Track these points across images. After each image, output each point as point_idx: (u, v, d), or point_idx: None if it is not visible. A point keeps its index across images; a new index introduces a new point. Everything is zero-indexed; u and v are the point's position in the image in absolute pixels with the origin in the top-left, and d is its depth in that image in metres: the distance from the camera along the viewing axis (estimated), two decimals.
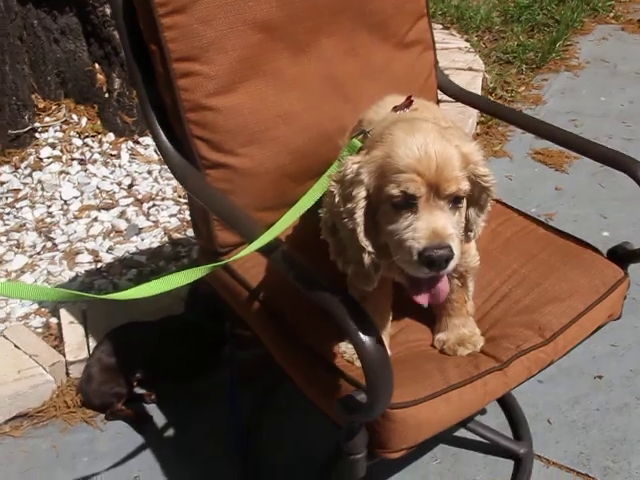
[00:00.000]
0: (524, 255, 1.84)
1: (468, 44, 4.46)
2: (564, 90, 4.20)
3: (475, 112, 3.66)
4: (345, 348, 1.56)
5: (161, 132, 1.76)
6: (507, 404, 2.27)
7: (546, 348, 1.62)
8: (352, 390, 1.45)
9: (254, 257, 1.70)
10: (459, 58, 4.20)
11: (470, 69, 4.07)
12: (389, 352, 1.59)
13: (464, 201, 1.37)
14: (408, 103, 1.57)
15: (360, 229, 1.36)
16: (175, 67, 1.67)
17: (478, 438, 2.16)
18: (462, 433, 2.17)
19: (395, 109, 1.55)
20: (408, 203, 1.29)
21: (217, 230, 1.80)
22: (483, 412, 2.26)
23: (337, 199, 1.38)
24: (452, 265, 1.28)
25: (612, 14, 5.25)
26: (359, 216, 1.35)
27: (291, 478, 2.12)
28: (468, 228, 1.47)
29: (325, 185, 1.51)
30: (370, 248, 1.37)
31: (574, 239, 1.90)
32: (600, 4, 5.29)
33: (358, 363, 1.53)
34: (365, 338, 1.31)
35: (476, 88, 3.88)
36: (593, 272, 1.78)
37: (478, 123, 3.74)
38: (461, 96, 2.11)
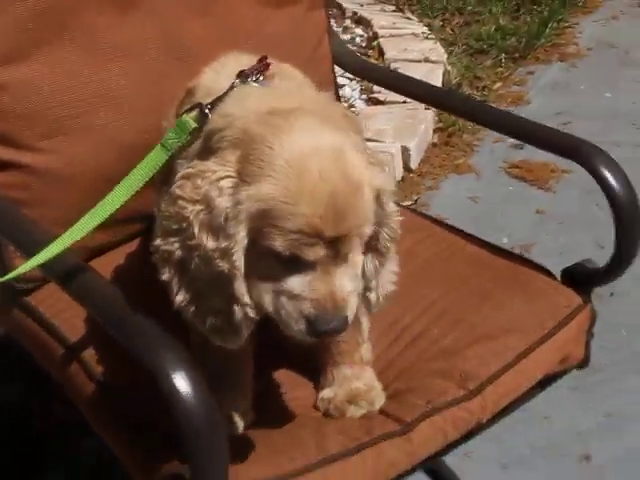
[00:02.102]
0: (448, 282, 1.81)
1: (426, 29, 4.47)
2: (555, 85, 4.22)
3: (430, 116, 3.66)
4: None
5: None
6: None
7: (469, 404, 1.57)
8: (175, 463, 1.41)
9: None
10: (413, 47, 4.20)
11: (427, 60, 4.07)
12: (242, 422, 1.53)
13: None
14: (263, 67, 1.52)
15: (239, 274, 1.30)
16: None
17: None
18: None
19: (242, 75, 1.50)
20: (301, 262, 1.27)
21: (14, 257, 1.73)
22: None
23: (196, 229, 1.29)
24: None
25: None
26: (239, 258, 1.29)
27: None
28: (367, 287, 1.42)
29: (139, 180, 1.48)
30: (246, 299, 1.31)
31: (519, 259, 1.89)
32: None
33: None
34: (181, 386, 1.24)
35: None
36: (540, 301, 1.75)
37: (435, 130, 3.74)
38: (365, 71, 2.09)
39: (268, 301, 1.29)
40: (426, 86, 2.23)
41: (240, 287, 1.29)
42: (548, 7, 4.83)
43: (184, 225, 1.28)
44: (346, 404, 1.58)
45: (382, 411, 1.57)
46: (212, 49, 1.84)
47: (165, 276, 1.33)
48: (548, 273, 1.83)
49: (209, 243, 1.27)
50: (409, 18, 4.65)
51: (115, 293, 1.42)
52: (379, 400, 1.59)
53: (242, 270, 1.29)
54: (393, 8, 4.73)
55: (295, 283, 1.26)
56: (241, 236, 1.27)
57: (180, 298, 1.33)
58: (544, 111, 3.94)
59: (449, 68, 4.11)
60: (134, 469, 1.54)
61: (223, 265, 1.27)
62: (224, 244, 1.27)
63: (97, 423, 1.65)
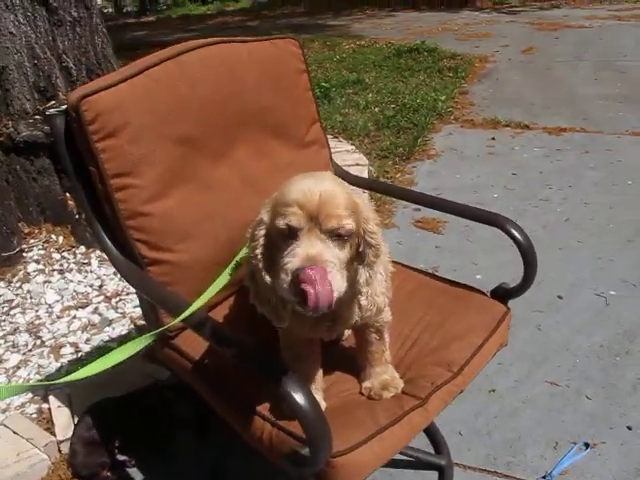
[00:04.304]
0: (425, 304, 1.60)
1: (353, 147, 4.30)
2: (429, 173, 4.05)
3: (365, 195, 3.46)
4: (285, 407, 1.27)
5: (106, 239, 1.47)
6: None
7: (456, 381, 1.38)
8: (296, 444, 1.18)
9: (199, 338, 1.44)
10: (348, 157, 4.03)
11: (357, 164, 3.89)
12: (324, 404, 1.32)
13: (348, 245, 1.08)
14: None
15: (262, 265, 1.10)
16: (112, 183, 1.39)
17: (408, 458, 1.87)
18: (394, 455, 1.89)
19: None
20: (293, 234, 1.03)
21: (163, 317, 1.49)
22: None
23: (248, 242, 1.14)
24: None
25: (452, 117, 5.21)
26: (259, 252, 1.10)
27: None
28: (360, 292, 1.17)
29: (231, 270, 1.31)
30: (267, 278, 1.11)
31: (463, 286, 1.67)
32: (443, 111, 5.26)
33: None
34: (300, 399, 1.05)
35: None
36: (483, 311, 1.55)
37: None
38: (355, 181, 1.89)
39: (277, 276, 1.04)
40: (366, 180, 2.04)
41: (265, 273, 1.11)
42: (415, 130, 4.72)
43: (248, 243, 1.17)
44: (381, 390, 1.36)
45: (404, 392, 1.37)
46: (267, 178, 1.64)
47: (245, 283, 1.18)
48: (482, 292, 1.63)
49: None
50: (341, 141, 4.47)
51: (228, 332, 1.26)
52: (400, 385, 1.38)
53: (262, 261, 1.11)
54: (331, 136, 4.53)
55: (288, 252, 1.03)
56: (261, 234, 1.11)
57: (252, 297, 1.17)
58: (426, 187, 3.79)
59: (371, 168, 3.94)
60: (258, 445, 1.29)
61: (253, 260, 1.13)
62: (252, 244, 1.12)
63: (225, 413, 1.39)
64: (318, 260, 0.99)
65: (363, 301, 1.18)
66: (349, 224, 1.05)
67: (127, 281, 1.47)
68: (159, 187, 1.44)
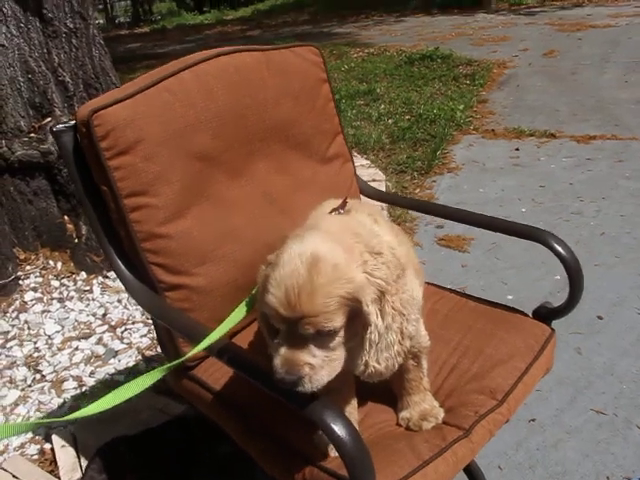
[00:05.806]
0: (463, 327, 1.59)
1: (369, 161, 4.33)
2: (450, 187, 4.07)
3: (385, 213, 3.47)
4: (318, 441, 1.27)
5: (120, 263, 1.48)
6: None
7: (501, 409, 1.36)
8: None
9: (221, 368, 1.44)
10: (363, 172, 4.04)
11: (374, 180, 3.91)
12: None
13: (341, 332, 1.08)
14: (343, 204, 1.34)
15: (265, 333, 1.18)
16: (126, 203, 1.40)
17: None
18: None
19: (332, 211, 1.32)
20: (276, 329, 1.10)
21: (183, 347, 1.50)
22: None
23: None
24: (308, 387, 1.06)
25: (472, 127, 5.24)
26: (261, 324, 1.18)
27: None
28: (354, 363, 1.15)
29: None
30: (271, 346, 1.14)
31: (501, 306, 1.67)
32: (462, 121, 5.29)
33: (333, 453, 1.25)
34: (341, 432, 1.05)
35: None
36: (525, 333, 1.54)
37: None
38: (381, 197, 1.90)
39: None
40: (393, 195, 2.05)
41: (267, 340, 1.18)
42: (433, 142, 4.74)
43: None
44: (420, 421, 1.35)
45: (445, 422, 1.35)
46: (290, 195, 1.67)
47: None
48: (523, 313, 1.62)
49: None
50: (355, 155, 4.49)
51: (255, 359, 1.24)
52: (441, 414, 1.37)
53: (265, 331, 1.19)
54: None
55: (274, 345, 1.09)
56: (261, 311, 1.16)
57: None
58: (448, 203, 3.77)
59: (388, 184, 3.95)
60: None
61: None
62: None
63: (252, 449, 1.36)
64: (293, 365, 1.06)
65: (358, 370, 1.16)
66: (328, 327, 1.06)
67: (143, 308, 1.47)
68: (176, 206, 1.45)
